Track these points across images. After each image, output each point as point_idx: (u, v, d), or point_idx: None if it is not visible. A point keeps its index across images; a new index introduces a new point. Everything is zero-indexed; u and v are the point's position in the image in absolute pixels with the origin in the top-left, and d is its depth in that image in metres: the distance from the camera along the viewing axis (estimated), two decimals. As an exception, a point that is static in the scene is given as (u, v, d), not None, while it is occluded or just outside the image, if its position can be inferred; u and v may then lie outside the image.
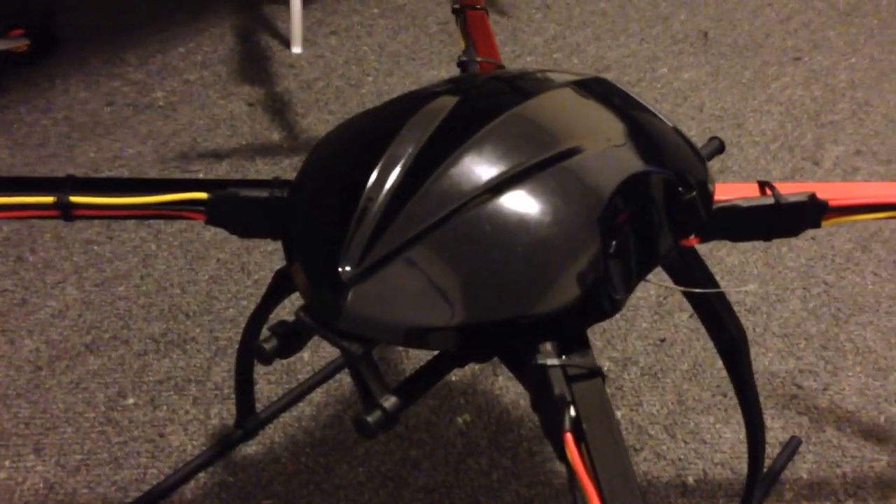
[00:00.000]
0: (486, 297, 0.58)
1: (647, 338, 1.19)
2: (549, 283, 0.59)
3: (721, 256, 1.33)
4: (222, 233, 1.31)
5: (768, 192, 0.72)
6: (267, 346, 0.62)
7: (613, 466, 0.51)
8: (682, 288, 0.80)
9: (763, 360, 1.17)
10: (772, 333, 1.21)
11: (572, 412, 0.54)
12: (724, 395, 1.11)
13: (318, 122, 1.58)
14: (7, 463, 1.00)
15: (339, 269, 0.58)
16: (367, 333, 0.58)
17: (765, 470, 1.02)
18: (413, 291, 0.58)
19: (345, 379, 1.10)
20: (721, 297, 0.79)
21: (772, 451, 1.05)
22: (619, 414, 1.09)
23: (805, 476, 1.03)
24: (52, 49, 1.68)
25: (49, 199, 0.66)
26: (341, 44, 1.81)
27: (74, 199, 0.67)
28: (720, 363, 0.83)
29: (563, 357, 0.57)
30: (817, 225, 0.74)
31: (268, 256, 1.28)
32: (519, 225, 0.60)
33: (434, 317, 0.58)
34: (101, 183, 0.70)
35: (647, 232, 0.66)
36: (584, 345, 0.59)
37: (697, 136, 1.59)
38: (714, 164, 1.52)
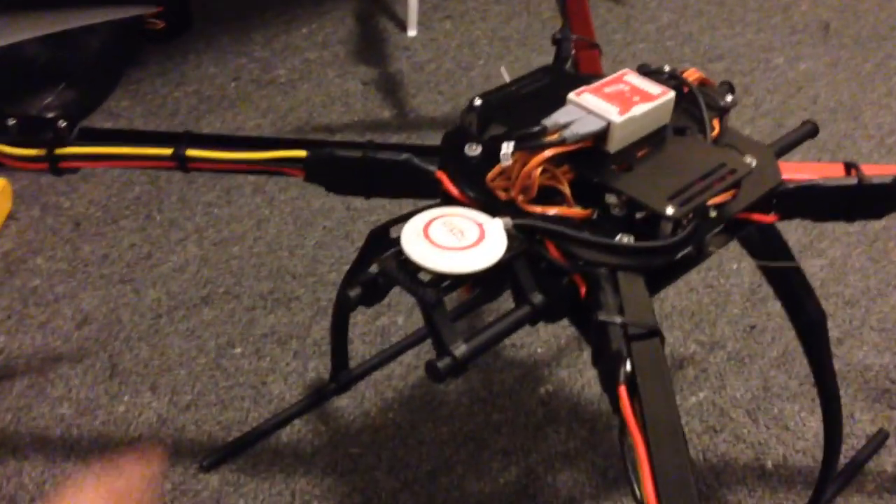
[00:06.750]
0: None
1: (737, 324, 1.19)
2: None
3: (823, 248, 1.31)
4: (329, 201, 1.40)
5: (854, 172, 0.73)
6: (352, 293, 0.68)
7: (663, 421, 0.54)
8: (760, 262, 0.81)
9: (857, 353, 1.15)
10: (869, 328, 1.19)
11: (628, 367, 0.57)
12: (813, 385, 1.10)
13: (428, 103, 1.63)
14: (126, 398, 1.10)
15: None
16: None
17: (848, 460, 1.01)
18: None
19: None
20: (799, 275, 0.80)
21: (858, 442, 1.04)
22: (701, 395, 1.10)
23: (890, 469, 1.01)
24: (187, 28, 1.80)
25: (167, 152, 0.74)
26: (455, 28, 1.86)
27: (190, 152, 0.75)
28: None
29: (625, 315, 0.60)
30: (904, 208, 0.73)
31: (370, 225, 1.34)
32: None
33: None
34: (214, 139, 0.77)
35: None
36: (646, 306, 0.62)
37: (808, 128, 1.56)
38: (823, 157, 1.49)
